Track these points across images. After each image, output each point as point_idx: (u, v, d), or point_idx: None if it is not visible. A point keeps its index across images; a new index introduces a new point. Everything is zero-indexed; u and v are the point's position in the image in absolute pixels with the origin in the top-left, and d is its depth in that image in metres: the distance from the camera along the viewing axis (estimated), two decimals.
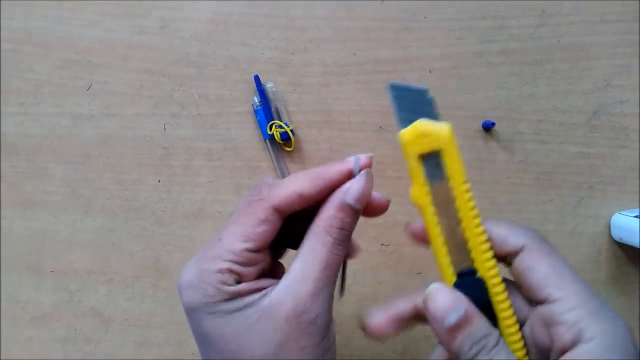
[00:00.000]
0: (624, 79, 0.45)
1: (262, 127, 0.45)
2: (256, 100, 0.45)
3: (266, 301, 0.26)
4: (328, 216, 0.27)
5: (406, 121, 0.27)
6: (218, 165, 0.46)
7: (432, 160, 0.27)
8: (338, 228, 0.27)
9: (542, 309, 0.26)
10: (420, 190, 0.27)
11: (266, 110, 0.44)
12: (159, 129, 0.46)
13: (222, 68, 0.46)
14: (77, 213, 0.46)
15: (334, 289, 0.28)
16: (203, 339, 0.26)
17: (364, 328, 0.30)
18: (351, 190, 0.27)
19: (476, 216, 0.27)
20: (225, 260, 0.26)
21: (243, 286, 0.26)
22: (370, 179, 0.28)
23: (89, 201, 0.46)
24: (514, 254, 0.27)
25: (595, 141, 0.46)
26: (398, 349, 0.46)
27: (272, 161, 0.45)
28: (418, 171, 0.27)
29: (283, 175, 0.45)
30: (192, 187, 0.46)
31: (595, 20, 0.45)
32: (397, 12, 0.45)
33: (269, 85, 0.45)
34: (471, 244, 0.27)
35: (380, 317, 0.29)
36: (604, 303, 0.25)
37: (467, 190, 0.26)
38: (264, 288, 0.26)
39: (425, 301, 0.26)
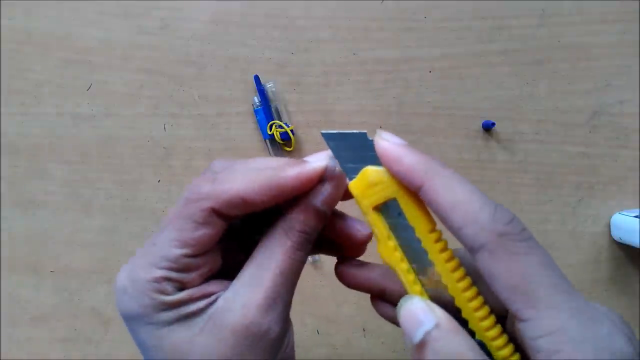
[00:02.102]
0: (624, 79, 0.45)
1: (262, 127, 0.45)
2: (256, 100, 0.45)
3: (211, 309, 0.23)
4: (290, 217, 0.24)
5: (353, 171, 0.24)
6: None
7: (392, 210, 0.23)
8: (299, 231, 0.24)
9: (514, 319, 0.21)
10: (386, 246, 0.23)
11: (266, 110, 0.44)
12: (159, 129, 0.46)
13: (222, 68, 0.46)
14: (77, 213, 0.46)
15: (290, 299, 0.24)
16: (141, 348, 0.24)
17: (337, 269, 0.28)
18: (321, 193, 0.24)
19: (456, 268, 0.22)
20: (160, 268, 0.22)
21: (185, 294, 0.23)
22: (343, 181, 0.24)
23: (89, 201, 0.46)
24: (472, 252, 0.21)
25: (595, 141, 0.46)
26: (398, 349, 0.46)
27: None
28: (379, 225, 0.23)
29: None
30: None
31: (595, 20, 0.45)
32: (397, 12, 0.45)
33: (269, 85, 0.45)
34: (458, 302, 0.22)
35: (351, 275, 0.27)
36: (593, 318, 0.20)
37: (437, 240, 0.22)
38: (212, 293, 0.23)
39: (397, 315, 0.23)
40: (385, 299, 0.27)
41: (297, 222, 0.24)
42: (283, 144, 0.45)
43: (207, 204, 0.23)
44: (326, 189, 0.24)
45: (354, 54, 0.45)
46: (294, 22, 0.45)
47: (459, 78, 0.45)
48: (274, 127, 0.44)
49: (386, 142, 0.22)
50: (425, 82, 0.45)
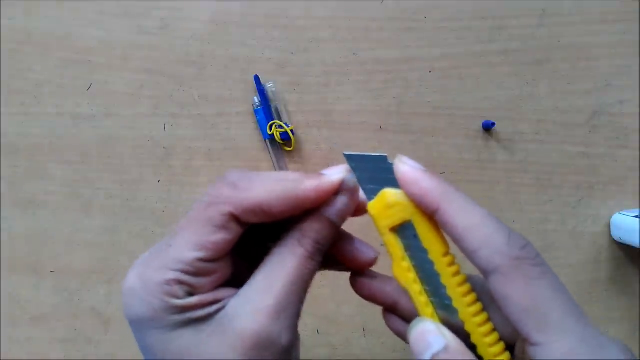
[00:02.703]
0: (624, 79, 0.45)
1: (262, 127, 0.45)
2: (256, 100, 0.45)
3: (220, 314, 0.23)
4: (303, 227, 0.24)
5: (372, 192, 0.24)
6: (218, 165, 0.46)
7: (408, 232, 0.23)
8: (312, 240, 0.24)
9: (524, 344, 0.21)
10: (400, 267, 0.24)
11: (266, 110, 0.44)
12: (159, 129, 0.46)
13: (222, 68, 0.46)
14: (77, 213, 0.46)
15: (299, 309, 0.24)
16: (146, 352, 0.23)
17: (353, 279, 0.28)
18: (335, 205, 0.24)
19: (467, 293, 0.23)
20: (173, 270, 0.22)
21: (195, 299, 0.22)
22: (357, 193, 0.25)
23: (89, 201, 0.46)
24: (486, 275, 0.21)
25: (595, 141, 0.46)
26: (398, 349, 0.46)
27: (272, 161, 0.45)
28: (395, 246, 0.24)
29: None
30: (192, 187, 0.46)
31: (595, 20, 0.45)
32: (397, 12, 0.45)
33: (269, 85, 0.45)
34: (468, 326, 0.23)
35: (365, 287, 0.28)
36: (602, 344, 0.20)
37: (450, 264, 0.23)
38: (222, 299, 0.23)
39: (408, 335, 0.24)
40: (398, 314, 0.28)
41: (310, 231, 0.24)
42: (283, 144, 0.45)
43: (228, 209, 0.23)
44: (341, 202, 0.24)
45: (354, 54, 0.45)
46: (294, 22, 0.45)
47: (459, 78, 0.45)
48: (274, 127, 0.44)
49: (405, 166, 0.23)
50: (425, 82, 0.45)
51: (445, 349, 0.22)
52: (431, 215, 0.23)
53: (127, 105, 0.46)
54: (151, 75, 0.46)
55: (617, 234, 0.45)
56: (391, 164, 0.23)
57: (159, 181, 0.46)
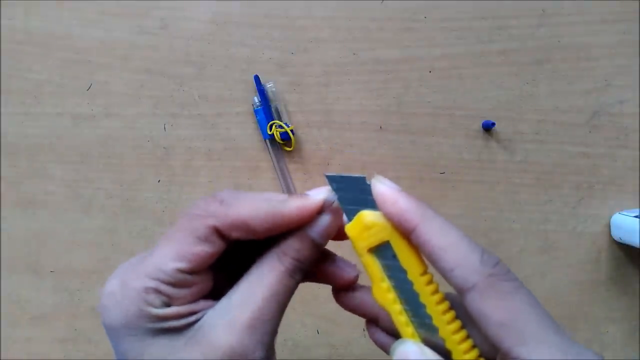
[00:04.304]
0: (624, 79, 0.45)
1: (262, 127, 0.45)
2: (256, 100, 0.45)
3: (197, 325, 0.23)
4: (285, 244, 0.25)
5: (352, 213, 0.24)
6: (218, 165, 0.46)
7: (386, 252, 0.24)
8: (292, 258, 0.24)
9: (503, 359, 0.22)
10: (379, 288, 0.24)
11: (266, 110, 0.44)
12: (159, 129, 0.46)
13: (222, 68, 0.46)
14: (77, 213, 0.46)
15: (276, 326, 0.24)
16: (121, 358, 0.23)
17: (334, 292, 0.28)
18: (317, 224, 0.25)
19: (446, 311, 0.23)
20: (152, 279, 0.22)
21: (171, 310, 0.22)
22: (340, 215, 0.25)
23: (89, 201, 0.46)
24: (462, 293, 0.22)
25: (595, 141, 0.46)
26: None
27: (272, 161, 0.45)
28: (373, 267, 0.24)
29: (283, 175, 0.45)
30: (192, 187, 0.46)
31: (595, 20, 0.45)
32: (397, 12, 0.45)
33: (269, 85, 0.45)
34: (449, 344, 0.23)
35: (346, 299, 0.28)
36: (580, 353, 0.21)
37: (429, 282, 0.23)
38: (200, 311, 0.23)
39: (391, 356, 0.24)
40: (380, 325, 0.28)
41: (291, 249, 0.24)
42: (283, 144, 0.45)
43: (212, 222, 0.23)
44: (323, 221, 0.25)
45: (354, 54, 0.45)
46: (294, 22, 0.45)
47: (459, 78, 0.45)
48: (274, 127, 0.44)
49: (383, 186, 0.23)
50: (425, 82, 0.45)
51: None
52: (407, 235, 0.23)
53: (127, 105, 0.46)
54: (151, 75, 0.46)
55: (617, 234, 0.45)
56: (369, 185, 0.23)
57: (159, 181, 0.46)
